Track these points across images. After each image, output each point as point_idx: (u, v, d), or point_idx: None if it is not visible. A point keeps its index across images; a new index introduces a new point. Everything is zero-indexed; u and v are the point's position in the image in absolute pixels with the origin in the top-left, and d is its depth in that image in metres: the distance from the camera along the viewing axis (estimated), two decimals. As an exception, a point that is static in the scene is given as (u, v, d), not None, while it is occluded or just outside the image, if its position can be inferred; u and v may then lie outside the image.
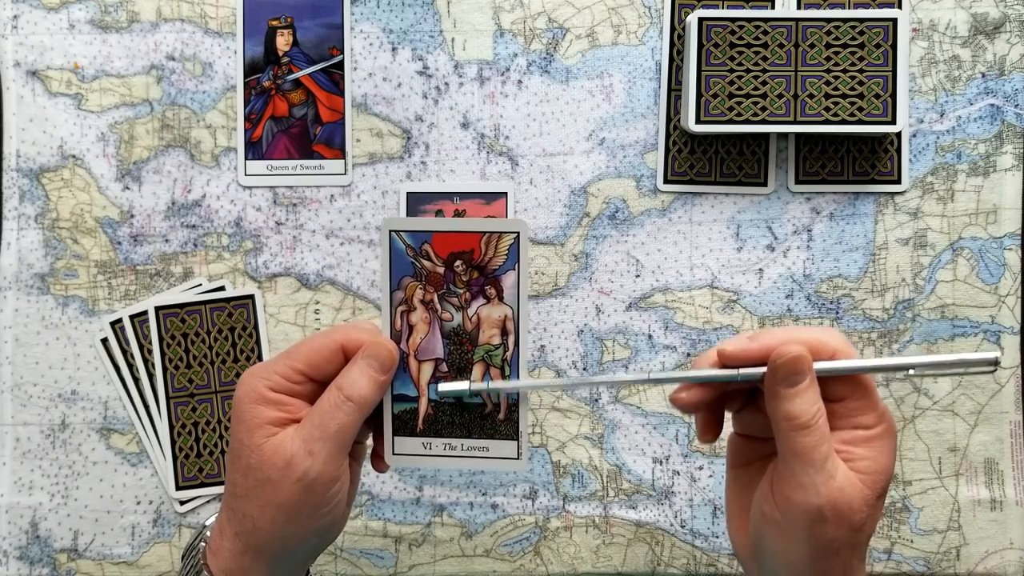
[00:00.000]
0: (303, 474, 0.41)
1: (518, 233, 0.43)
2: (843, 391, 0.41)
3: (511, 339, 0.44)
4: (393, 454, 0.46)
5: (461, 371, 0.45)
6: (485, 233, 0.43)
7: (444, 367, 0.45)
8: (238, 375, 0.61)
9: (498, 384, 0.44)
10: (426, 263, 0.44)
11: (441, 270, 0.44)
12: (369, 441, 0.49)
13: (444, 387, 0.44)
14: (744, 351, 0.41)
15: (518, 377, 0.45)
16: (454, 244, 0.43)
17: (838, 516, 0.39)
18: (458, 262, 0.44)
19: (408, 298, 0.44)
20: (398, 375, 0.44)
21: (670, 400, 0.44)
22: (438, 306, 0.44)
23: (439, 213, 0.61)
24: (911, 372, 0.41)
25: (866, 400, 0.41)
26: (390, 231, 0.43)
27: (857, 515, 0.40)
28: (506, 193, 0.61)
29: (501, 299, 0.44)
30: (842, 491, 0.39)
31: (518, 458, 0.45)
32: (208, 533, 0.45)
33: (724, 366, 0.42)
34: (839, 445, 0.41)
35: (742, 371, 0.41)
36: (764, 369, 0.41)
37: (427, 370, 0.45)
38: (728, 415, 0.46)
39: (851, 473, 0.40)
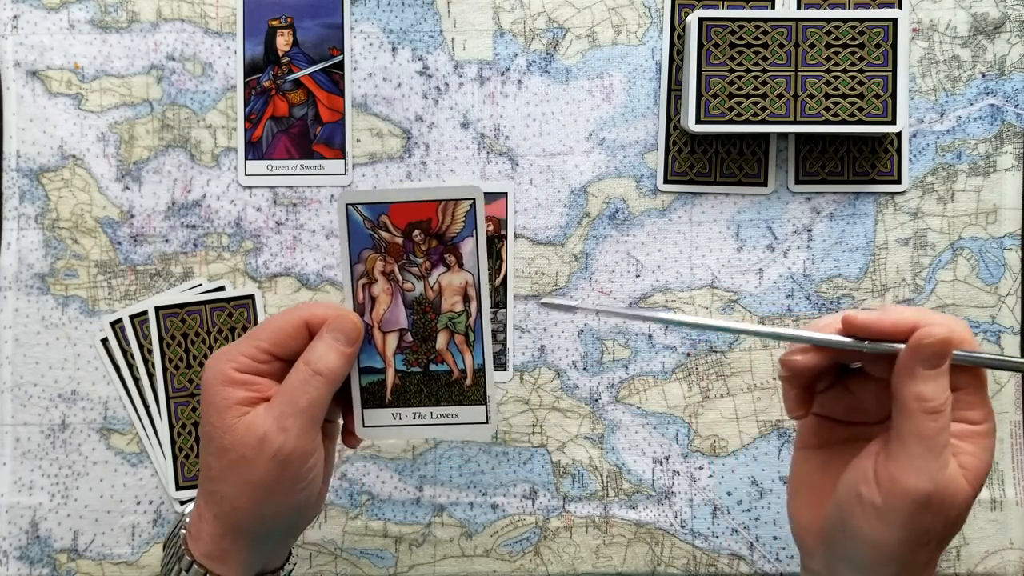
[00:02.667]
0: (277, 450, 0.42)
1: (474, 200, 0.43)
2: (960, 382, 0.41)
3: (473, 305, 0.45)
4: (364, 426, 0.46)
5: (425, 340, 0.45)
6: (441, 201, 0.44)
7: (408, 337, 0.45)
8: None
9: (606, 308, 0.44)
10: (384, 234, 0.44)
11: (400, 240, 0.44)
12: (340, 420, 0.49)
13: (548, 300, 0.43)
14: (876, 323, 0.41)
15: (482, 343, 0.45)
16: (411, 214, 0.44)
17: (941, 506, 0.39)
18: (416, 231, 0.44)
19: (369, 270, 0.44)
20: (363, 347, 0.45)
21: (782, 361, 0.43)
22: (399, 276, 0.44)
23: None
24: None
25: (979, 395, 0.41)
26: (347, 204, 0.44)
27: (955, 510, 0.40)
28: (506, 193, 0.61)
29: (461, 266, 0.44)
30: (950, 482, 0.39)
31: (487, 422, 0.45)
32: (187, 520, 0.45)
33: (849, 335, 0.42)
34: None
35: (870, 343, 0.41)
36: (898, 346, 0.40)
37: (392, 341, 0.45)
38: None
39: (958, 467, 0.40)
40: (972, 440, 0.41)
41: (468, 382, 0.45)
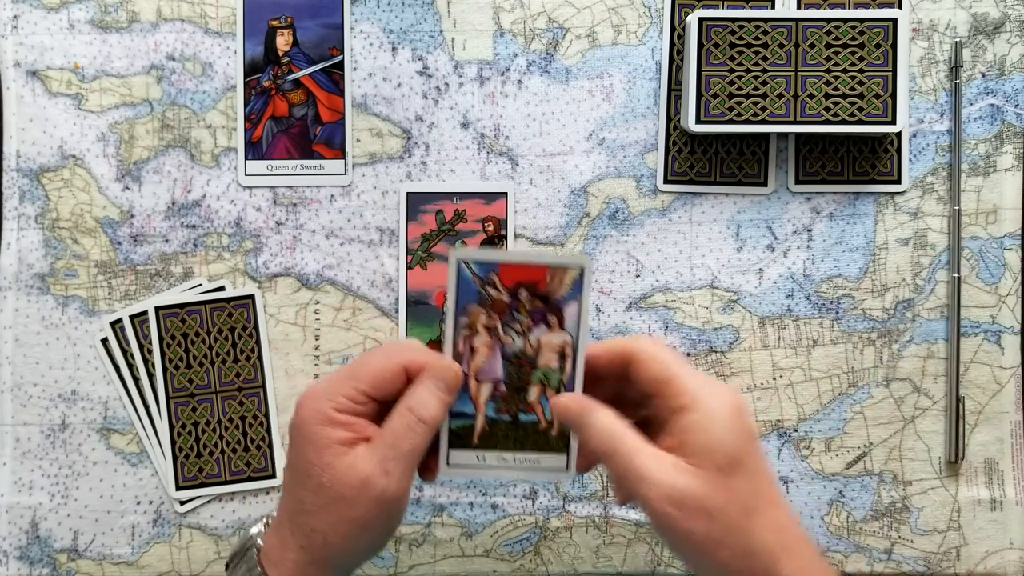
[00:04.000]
0: (380, 492, 0.43)
1: (583, 269, 0.44)
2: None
3: (568, 363, 0.45)
4: (448, 465, 0.47)
5: (518, 391, 0.46)
6: (551, 266, 0.45)
7: (502, 387, 0.46)
8: (238, 375, 0.61)
9: None
10: (492, 291, 0.45)
11: (506, 298, 0.45)
12: None
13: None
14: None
15: None
16: (521, 275, 0.45)
17: None
18: (523, 291, 0.45)
19: (472, 323, 0.45)
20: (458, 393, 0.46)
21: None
22: (501, 331, 0.45)
23: (439, 213, 0.61)
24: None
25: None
26: (458, 260, 0.45)
27: None
28: (506, 193, 0.61)
29: (562, 327, 0.45)
30: None
31: (567, 469, 0.46)
32: (259, 542, 0.46)
33: None
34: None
35: None
36: None
37: (486, 389, 0.46)
38: None
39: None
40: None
41: (554, 432, 0.46)
